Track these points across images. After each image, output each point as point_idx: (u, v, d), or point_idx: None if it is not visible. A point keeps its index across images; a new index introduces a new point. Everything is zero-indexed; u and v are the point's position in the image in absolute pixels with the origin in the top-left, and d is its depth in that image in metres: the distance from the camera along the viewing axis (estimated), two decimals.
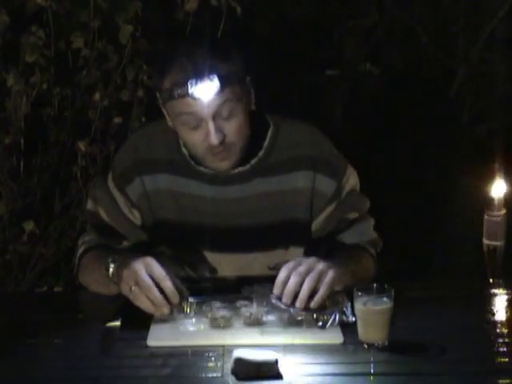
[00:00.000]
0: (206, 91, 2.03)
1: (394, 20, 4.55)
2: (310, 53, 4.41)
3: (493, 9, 4.43)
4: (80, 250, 2.26)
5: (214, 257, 2.22)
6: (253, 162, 2.20)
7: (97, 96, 3.16)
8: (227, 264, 2.22)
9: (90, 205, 2.28)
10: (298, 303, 1.93)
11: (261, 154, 2.21)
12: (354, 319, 1.92)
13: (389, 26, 4.55)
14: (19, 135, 3.13)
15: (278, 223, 2.22)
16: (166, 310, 1.94)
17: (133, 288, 1.95)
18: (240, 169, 2.19)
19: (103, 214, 2.25)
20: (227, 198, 2.21)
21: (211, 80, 2.03)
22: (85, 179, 3.19)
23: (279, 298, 1.95)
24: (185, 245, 2.23)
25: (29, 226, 3.13)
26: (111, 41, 3.15)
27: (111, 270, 2.03)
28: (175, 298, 1.94)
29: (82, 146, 3.16)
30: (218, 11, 3.17)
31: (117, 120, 3.21)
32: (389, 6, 4.52)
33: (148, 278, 1.94)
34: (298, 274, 1.94)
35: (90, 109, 3.19)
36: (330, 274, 1.96)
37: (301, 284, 1.93)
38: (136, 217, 2.24)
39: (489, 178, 2.31)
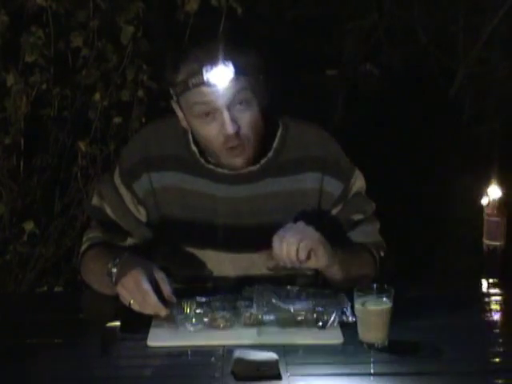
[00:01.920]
0: (220, 77, 2.04)
1: (393, 20, 4.55)
2: (310, 53, 4.41)
3: (493, 9, 4.43)
4: (83, 247, 2.26)
5: (219, 255, 2.22)
6: (263, 161, 2.21)
7: (97, 96, 3.15)
8: (231, 263, 2.22)
9: (95, 200, 2.28)
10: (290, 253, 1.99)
11: (270, 154, 2.22)
12: (354, 319, 1.92)
13: (389, 26, 4.54)
14: (19, 135, 3.12)
15: (284, 223, 2.22)
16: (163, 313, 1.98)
17: (131, 302, 1.98)
18: (250, 168, 2.20)
19: (108, 210, 2.25)
20: (236, 197, 2.21)
21: (226, 66, 2.04)
22: (85, 179, 3.19)
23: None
24: (189, 243, 2.23)
25: (29, 225, 3.13)
26: (111, 41, 3.15)
27: (113, 276, 2.04)
28: (162, 312, 1.97)
29: (82, 145, 3.16)
30: (218, 12, 3.18)
31: (117, 120, 3.21)
32: (388, 6, 4.52)
33: (139, 295, 1.97)
34: (288, 239, 2.00)
35: (90, 109, 3.19)
36: (315, 233, 2.02)
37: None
38: (141, 214, 2.24)
39: (489, 178, 2.31)
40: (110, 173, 2.28)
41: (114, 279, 2.03)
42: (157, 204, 2.23)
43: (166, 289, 1.99)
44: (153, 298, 1.96)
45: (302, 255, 2.00)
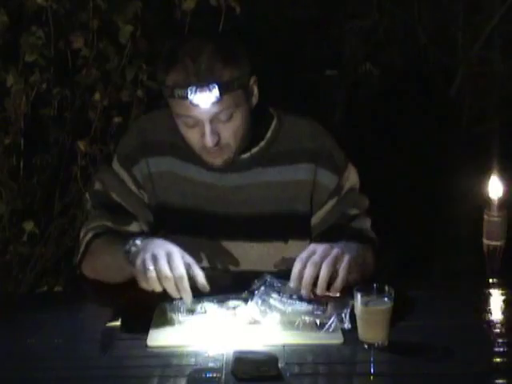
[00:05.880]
0: (204, 100, 2.04)
1: (393, 20, 4.54)
2: (309, 53, 4.41)
3: (493, 9, 4.43)
4: (88, 236, 2.25)
5: (212, 244, 2.23)
6: (254, 150, 2.22)
7: (96, 96, 3.15)
8: (224, 252, 2.23)
9: (97, 185, 2.28)
10: (319, 290, 1.93)
11: (262, 143, 2.23)
12: (350, 326, 1.90)
13: (389, 25, 4.54)
14: (19, 135, 3.13)
15: (278, 214, 2.23)
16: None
17: (151, 269, 1.91)
18: (241, 156, 2.21)
19: (113, 193, 2.26)
20: (227, 186, 2.22)
21: (210, 90, 2.03)
22: (85, 179, 3.19)
23: (298, 295, 1.93)
24: (184, 230, 2.23)
25: (29, 226, 3.13)
26: (111, 41, 3.15)
27: (133, 248, 1.99)
28: (204, 288, 1.94)
29: (81, 145, 3.16)
30: (217, 11, 3.18)
31: (116, 120, 3.21)
32: (389, 5, 4.51)
33: (167, 266, 1.91)
34: (313, 263, 1.94)
35: (90, 109, 3.19)
36: (346, 258, 1.96)
37: (317, 273, 1.92)
38: (144, 196, 2.26)
39: (488, 178, 2.31)
40: (108, 163, 2.31)
41: (130, 258, 1.98)
42: (154, 189, 2.25)
43: (199, 274, 1.95)
44: (185, 282, 1.92)
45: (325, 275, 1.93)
